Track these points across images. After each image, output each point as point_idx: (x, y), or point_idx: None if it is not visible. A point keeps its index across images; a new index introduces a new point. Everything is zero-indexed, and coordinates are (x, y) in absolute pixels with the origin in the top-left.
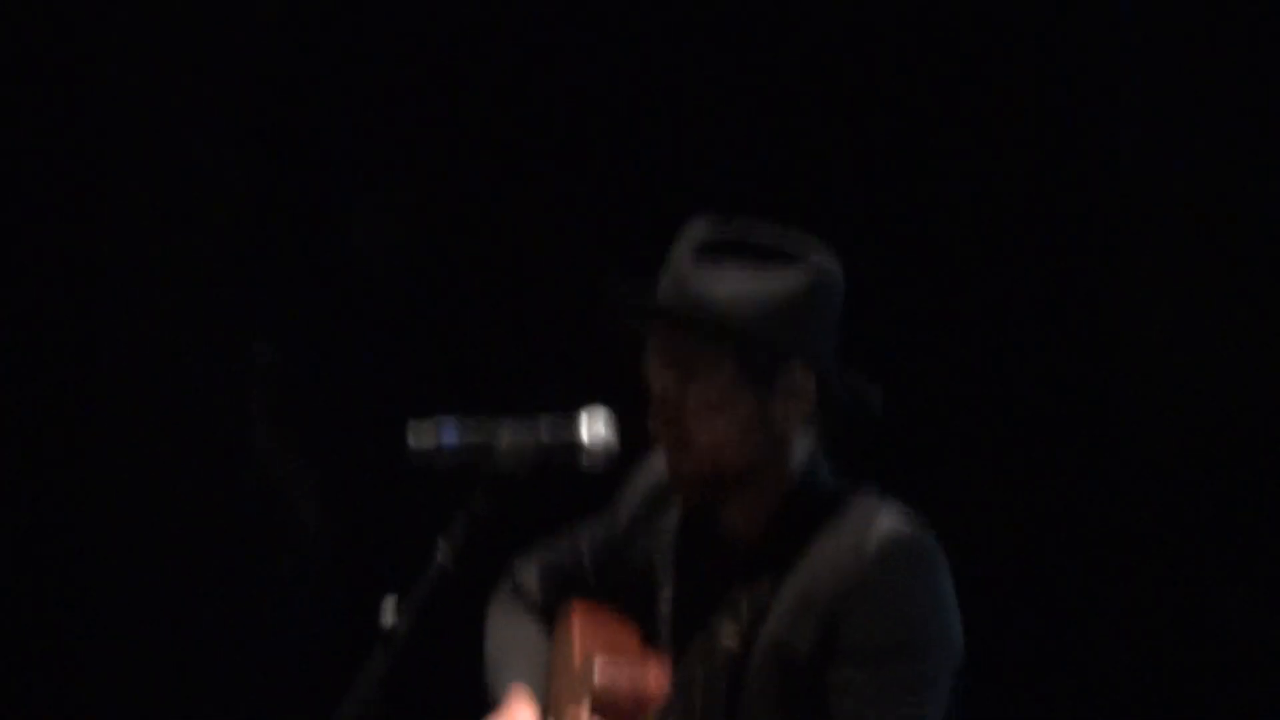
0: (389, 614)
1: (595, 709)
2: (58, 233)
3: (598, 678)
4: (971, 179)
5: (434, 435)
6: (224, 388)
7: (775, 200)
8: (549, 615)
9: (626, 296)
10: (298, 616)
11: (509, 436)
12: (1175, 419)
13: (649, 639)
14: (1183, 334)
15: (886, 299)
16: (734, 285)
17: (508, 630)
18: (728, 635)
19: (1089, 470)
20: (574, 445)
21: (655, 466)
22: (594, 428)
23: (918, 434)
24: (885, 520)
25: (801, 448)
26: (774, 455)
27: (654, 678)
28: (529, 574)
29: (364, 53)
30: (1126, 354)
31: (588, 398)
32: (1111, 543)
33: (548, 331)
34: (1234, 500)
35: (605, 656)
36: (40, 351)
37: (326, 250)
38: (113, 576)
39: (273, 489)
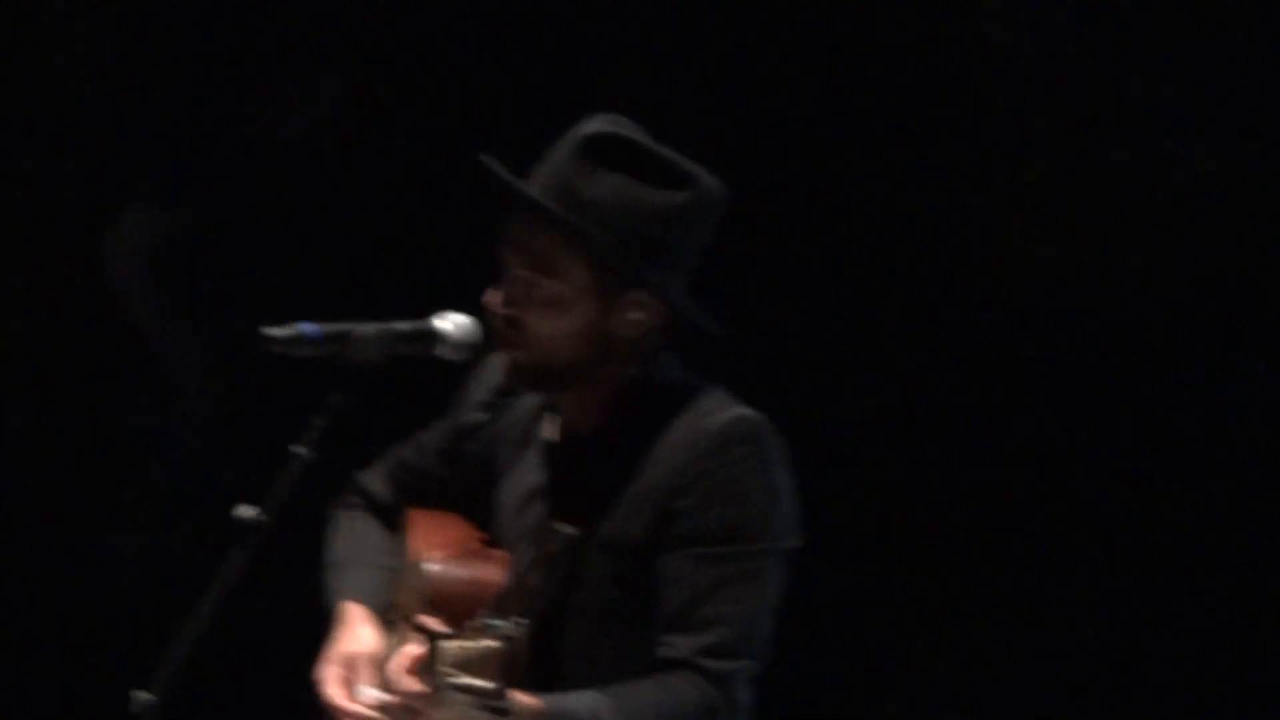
0: (246, 509)
1: (431, 603)
2: None
3: (430, 573)
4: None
5: (291, 328)
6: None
7: None
8: (395, 514)
9: (497, 177)
10: (164, 503)
11: (368, 327)
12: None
13: (490, 532)
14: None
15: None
16: (608, 193)
17: (348, 538)
18: (565, 525)
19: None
20: (431, 333)
21: (499, 363)
22: (454, 319)
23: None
24: (719, 408)
25: (643, 352)
26: (609, 356)
27: (490, 570)
28: (373, 478)
29: None
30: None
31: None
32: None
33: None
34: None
35: (439, 553)
36: None
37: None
38: None
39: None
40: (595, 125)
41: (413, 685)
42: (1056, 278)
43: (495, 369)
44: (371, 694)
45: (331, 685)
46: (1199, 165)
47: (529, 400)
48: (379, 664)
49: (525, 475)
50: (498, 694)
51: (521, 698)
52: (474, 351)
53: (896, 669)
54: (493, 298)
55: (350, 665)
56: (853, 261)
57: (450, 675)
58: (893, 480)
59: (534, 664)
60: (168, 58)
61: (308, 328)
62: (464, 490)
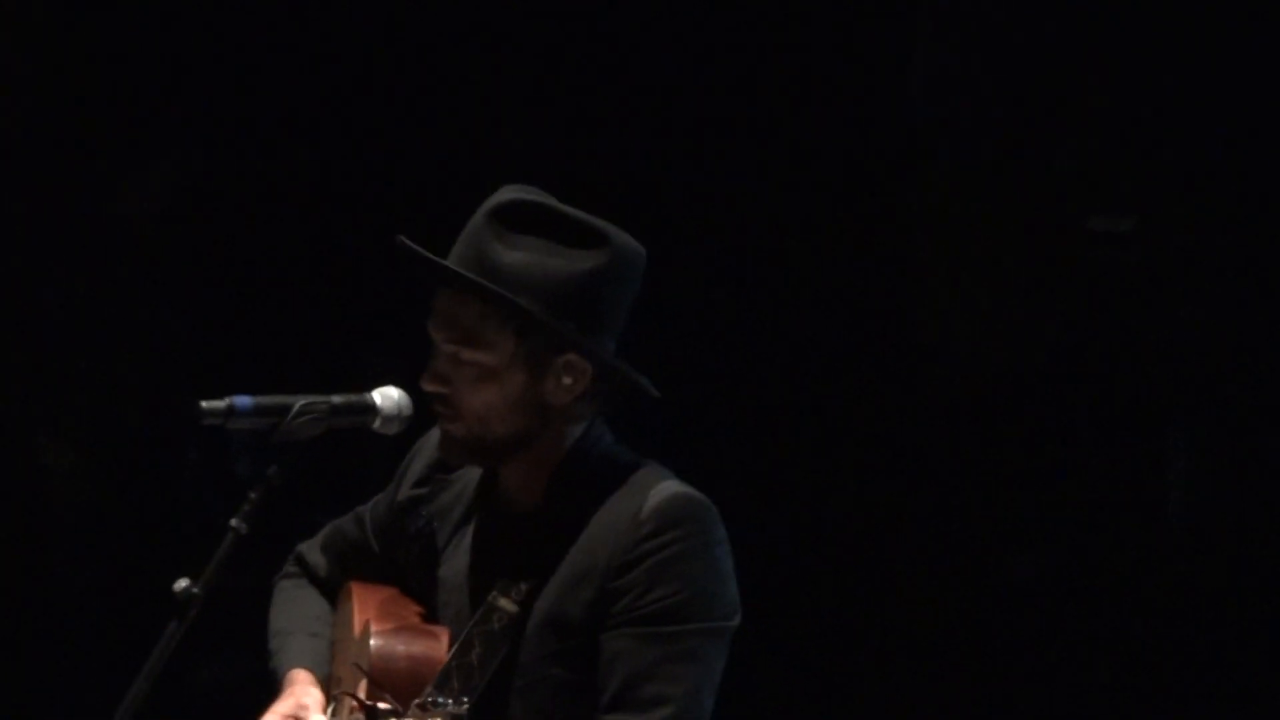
0: (182, 582)
1: (373, 679)
2: None
3: (374, 648)
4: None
5: (227, 400)
6: None
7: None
8: (334, 586)
9: (416, 254)
10: (86, 585)
11: (303, 400)
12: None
13: (429, 608)
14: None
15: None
16: (527, 258)
17: (291, 607)
18: (505, 602)
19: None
20: (367, 406)
21: (437, 439)
22: (387, 393)
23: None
24: (660, 486)
25: (578, 419)
26: (543, 428)
27: (431, 645)
28: (313, 550)
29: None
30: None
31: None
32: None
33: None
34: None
35: (381, 627)
36: None
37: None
38: None
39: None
40: (506, 194)
41: None
42: (987, 351)
43: (434, 445)
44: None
45: None
46: (1125, 240)
47: (469, 476)
48: (325, 714)
49: (465, 552)
50: None
51: None
52: (407, 425)
53: None
54: (425, 378)
55: (296, 713)
56: (778, 329)
57: None
58: (819, 550)
59: None
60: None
61: (242, 400)
62: (401, 565)
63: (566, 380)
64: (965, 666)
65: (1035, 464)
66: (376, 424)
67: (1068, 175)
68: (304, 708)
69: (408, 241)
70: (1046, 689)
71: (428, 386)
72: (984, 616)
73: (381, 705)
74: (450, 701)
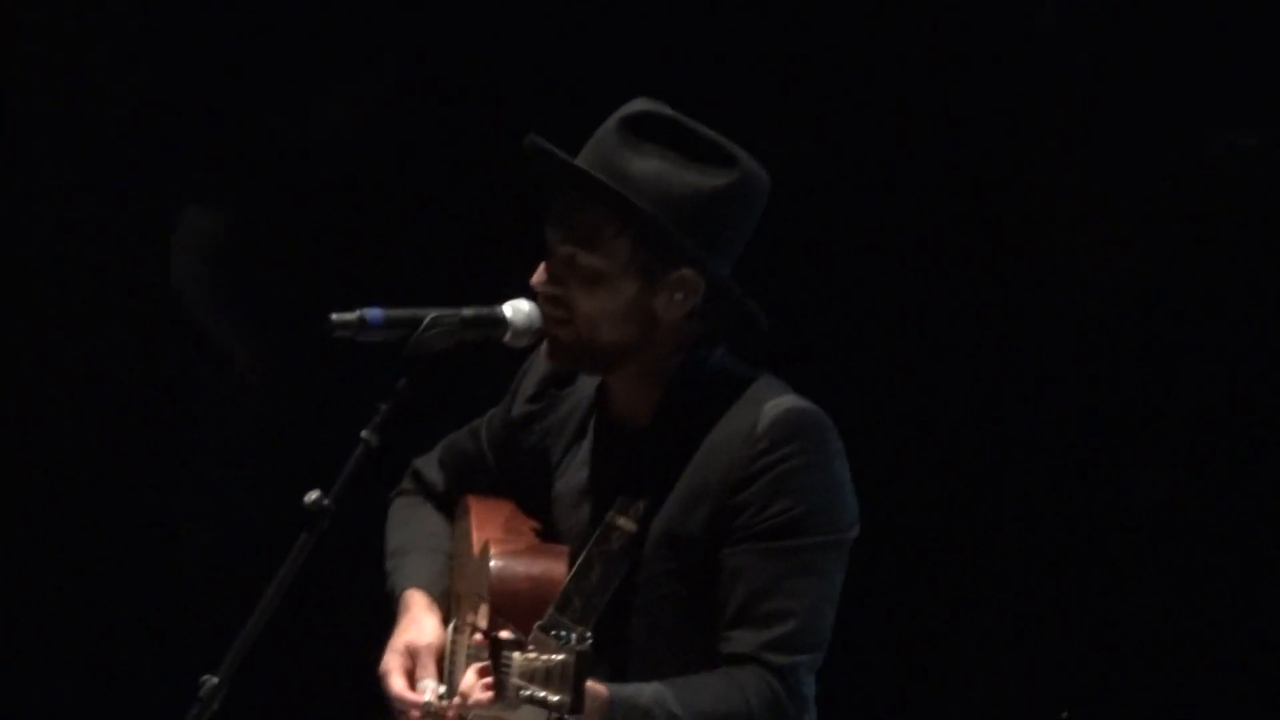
0: (314, 494)
1: (494, 600)
2: None
3: (493, 570)
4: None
5: (358, 313)
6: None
7: None
8: (451, 501)
9: (546, 151)
10: (227, 495)
11: (434, 313)
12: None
13: (546, 525)
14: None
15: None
16: (653, 167)
17: (407, 525)
18: (624, 520)
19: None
20: (498, 319)
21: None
22: (518, 305)
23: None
24: (775, 400)
25: (685, 338)
26: (652, 339)
27: (551, 565)
28: (429, 465)
29: None
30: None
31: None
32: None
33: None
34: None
35: (501, 547)
36: None
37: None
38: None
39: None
40: (640, 105)
41: (485, 696)
42: (1103, 276)
43: (545, 361)
44: (432, 685)
45: (395, 677)
46: (1251, 156)
47: (582, 392)
48: (440, 655)
49: (580, 469)
50: (568, 706)
51: (588, 686)
52: (538, 338)
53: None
54: (537, 276)
55: (413, 656)
56: (894, 258)
57: (522, 688)
58: (920, 478)
59: (598, 661)
60: (212, 62)
61: (373, 313)
62: (515, 480)
63: (678, 296)
64: (1080, 585)
65: (1157, 383)
66: (507, 337)
67: (1194, 90)
68: (414, 657)
69: (539, 140)
70: (1161, 611)
71: (540, 286)
72: (1101, 540)
73: (504, 635)
74: (574, 635)
